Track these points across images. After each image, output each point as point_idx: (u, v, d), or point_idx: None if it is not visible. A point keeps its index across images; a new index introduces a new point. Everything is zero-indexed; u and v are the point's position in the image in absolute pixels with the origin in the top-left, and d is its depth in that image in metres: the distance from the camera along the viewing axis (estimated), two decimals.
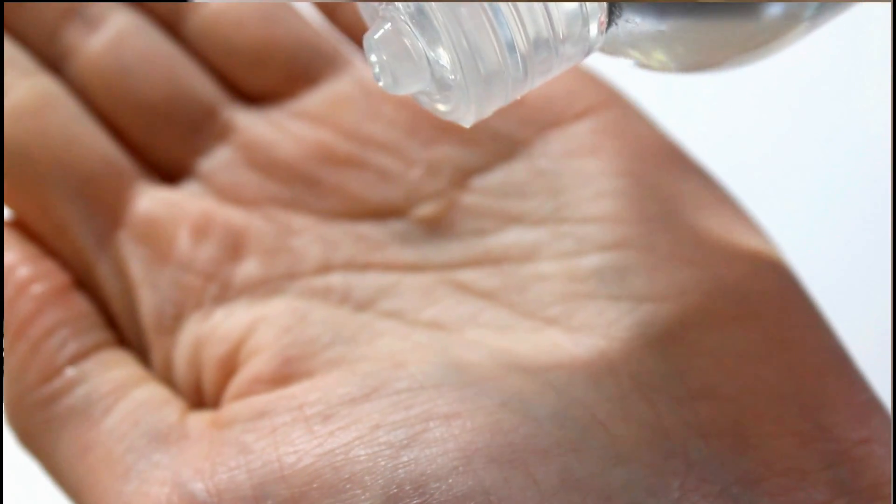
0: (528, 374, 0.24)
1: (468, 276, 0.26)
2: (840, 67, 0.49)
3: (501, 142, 0.27)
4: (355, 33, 0.29)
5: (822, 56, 0.49)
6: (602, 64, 0.28)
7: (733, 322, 0.24)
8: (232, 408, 0.25)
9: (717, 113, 0.47)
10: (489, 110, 0.21)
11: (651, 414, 0.23)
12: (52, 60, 0.28)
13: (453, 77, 0.20)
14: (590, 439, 0.23)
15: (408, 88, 0.21)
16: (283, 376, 0.25)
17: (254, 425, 0.24)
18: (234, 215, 0.27)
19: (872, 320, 0.44)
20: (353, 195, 0.27)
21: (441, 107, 0.21)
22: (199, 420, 0.25)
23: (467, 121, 0.21)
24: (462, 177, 0.27)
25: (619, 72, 0.28)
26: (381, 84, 0.21)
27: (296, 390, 0.24)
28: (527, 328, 0.25)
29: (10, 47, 0.28)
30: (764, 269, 0.25)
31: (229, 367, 0.26)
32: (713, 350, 0.24)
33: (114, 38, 0.28)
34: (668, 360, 0.24)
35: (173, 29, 0.29)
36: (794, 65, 0.49)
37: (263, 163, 0.28)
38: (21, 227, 0.27)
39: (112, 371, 0.26)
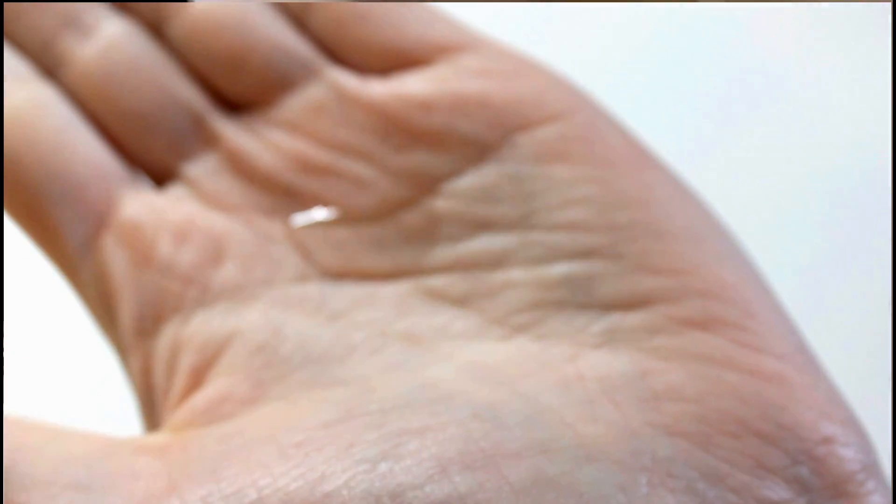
0: (498, 385, 0.24)
1: (440, 282, 0.27)
2: (840, 67, 0.50)
3: (471, 146, 0.27)
4: (324, 42, 0.29)
5: (821, 55, 0.49)
6: (574, 72, 0.28)
7: (698, 328, 0.25)
8: (200, 432, 0.25)
9: (711, 114, 0.47)
10: None
11: (618, 415, 0.24)
12: (48, 67, 0.29)
13: None
14: (559, 440, 0.23)
15: None
16: (253, 398, 0.25)
17: (226, 450, 0.24)
18: (215, 221, 0.28)
19: (873, 320, 0.44)
20: (330, 203, 0.28)
21: None
22: (154, 450, 0.24)
23: None
24: (433, 182, 0.27)
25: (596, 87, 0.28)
26: None
27: (267, 413, 0.25)
28: (497, 336, 0.26)
29: (7, 54, 0.29)
30: (729, 275, 0.26)
31: (198, 379, 0.26)
32: (678, 354, 0.24)
33: (105, 47, 0.29)
34: (633, 364, 0.24)
35: (158, 32, 0.30)
36: (793, 64, 0.50)
37: (246, 171, 0.28)
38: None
39: None
